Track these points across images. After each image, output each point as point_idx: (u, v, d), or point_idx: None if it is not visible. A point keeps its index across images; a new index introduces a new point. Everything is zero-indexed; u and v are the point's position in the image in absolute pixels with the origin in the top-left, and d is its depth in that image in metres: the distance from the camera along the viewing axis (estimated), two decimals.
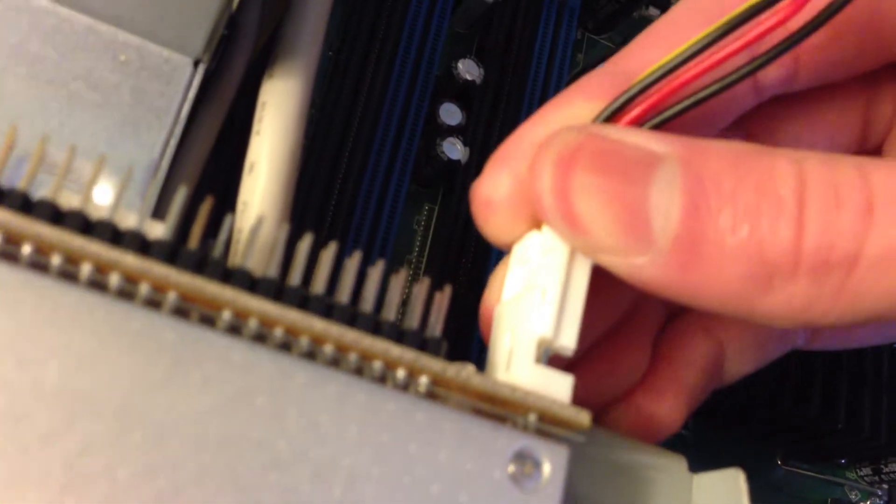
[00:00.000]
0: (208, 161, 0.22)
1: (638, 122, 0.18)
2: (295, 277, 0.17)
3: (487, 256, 0.30)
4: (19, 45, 0.20)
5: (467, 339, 0.29)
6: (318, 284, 0.17)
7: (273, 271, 0.17)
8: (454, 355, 0.18)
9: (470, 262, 0.30)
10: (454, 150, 0.31)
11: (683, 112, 0.18)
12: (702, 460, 0.23)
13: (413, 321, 0.18)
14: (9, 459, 0.14)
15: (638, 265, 0.17)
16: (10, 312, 0.14)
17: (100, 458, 0.14)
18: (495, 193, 0.20)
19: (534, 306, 0.18)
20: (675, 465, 0.22)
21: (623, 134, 0.17)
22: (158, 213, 0.20)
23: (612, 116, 0.18)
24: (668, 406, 0.22)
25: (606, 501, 0.20)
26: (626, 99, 0.18)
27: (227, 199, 0.23)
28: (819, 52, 0.20)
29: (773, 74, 0.20)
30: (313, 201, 0.28)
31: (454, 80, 0.32)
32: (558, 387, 0.18)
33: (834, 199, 0.16)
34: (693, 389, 0.22)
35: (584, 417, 0.18)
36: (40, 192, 0.16)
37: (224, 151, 0.23)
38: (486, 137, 0.32)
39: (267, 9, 0.24)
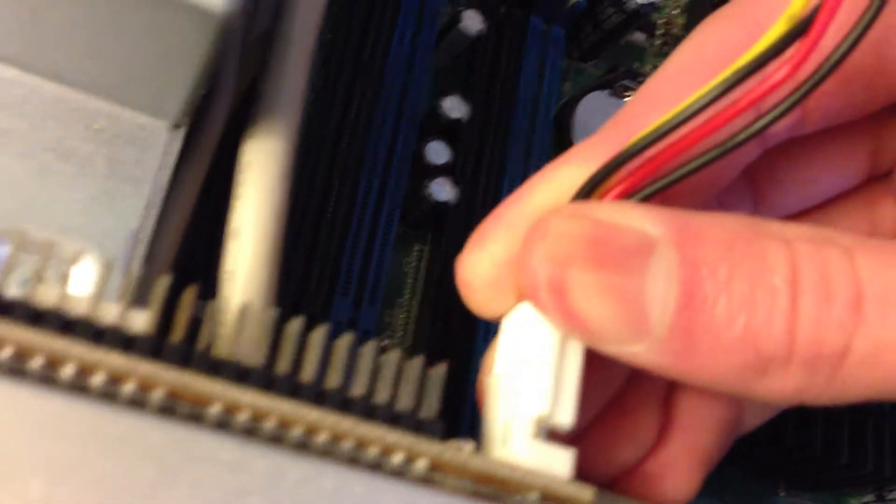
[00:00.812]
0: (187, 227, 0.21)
1: (629, 193, 0.18)
2: (284, 364, 0.16)
3: None
4: None
5: (461, 390, 0.28)
6: (308, 367, 0.17)
7: (261, 359, 0.16)
8: (447, 413, 0.18)
9: (464, 307, 0.29)
10: (442, 191, 0.30)
11: (680, 180, 0.17)
12: (705, 491, 0.23)
13: (407, 401, 0.17)
14: None
15: (634, 352, 0.17)
16: None
17: None
18: (475, 275, 0.20)
19: (528, 383, 0.18)
20: None
21: (615, 214, 0.17)
22: (142, 286, 0.19)
23: (598, 185, 0.18)
24: (682, 476, 0.21)
25: None
26: (614, 166, 0.17)
27: (209, 261, 0.22)
28: (827, 98, 0.19)
29: (778, 124, 0.20)
30: (300, 249, 0.28)
31: (440, 118, 0.31)
32: (559, 463, 0.18)
33: (825, 292, 0.16)
34: (708, 454, 0.22)
35: (586, 494, 0.17)
36: (14, 281, 0.16)
37: (203, 213, 0.22)
38: (474, 175, 0.31)
39: (243, 61, 0.24)
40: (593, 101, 0.35)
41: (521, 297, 0.19)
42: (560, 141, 0.35)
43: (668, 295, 0.16)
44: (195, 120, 0.22)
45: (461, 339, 0.30)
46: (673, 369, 0.17)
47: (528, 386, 0.18)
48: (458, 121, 0.31)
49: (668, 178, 0.17)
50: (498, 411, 0.19)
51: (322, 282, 0.28)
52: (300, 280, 0.27)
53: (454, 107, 0.31)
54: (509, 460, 0.17)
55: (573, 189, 0.18)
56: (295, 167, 0.22)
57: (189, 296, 0.16)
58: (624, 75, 0.36)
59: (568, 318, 0.17)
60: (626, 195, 0.18)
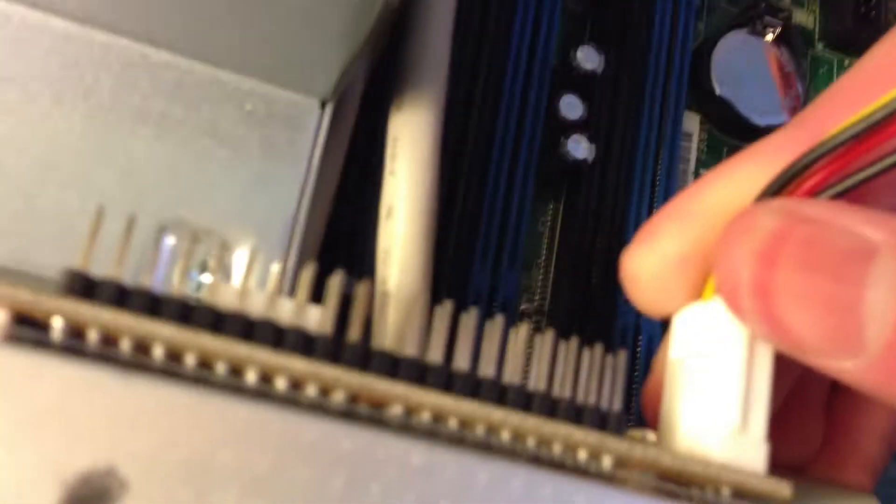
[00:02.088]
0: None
1: (815, 191, 0.16)
2: (461, 359, 0.16)
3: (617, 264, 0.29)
4: (143, 105, 0.19)
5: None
6: (487, 361, 0.16)
7: (438, 356, 0.16)
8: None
9: (602, 267, 0.28)
10: (579, 148, 0.29)
11: (872, 178, 0.16)
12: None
13: (588, 395, 0.16)
14: None
15: (841, 368, 0.15)
16: (181, 438, 0.13)
17: None
18: (644, 271, 0.18)
19: (715, 386, 0.17)
20: None
21: (830, 214, 0.15)
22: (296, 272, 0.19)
23: (789, 183, 0.16)
24: (851, 482, 0.20)
25: None
26: (808, 162, 0.16)
27: (353, 242, 0.22)
28: None
29: None
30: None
31: (573, 70, 0.30)
32: (752, 456, 0.17)
33: None
34: (876, 459, 0.20)
35: (784, 489, 0.16)
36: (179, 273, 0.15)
37: (345, 192, 0.22)
38: (610, 130, 0.30)
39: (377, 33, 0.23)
40: (732, 42, 0.33)
41: (696, 295, 0.18)
42: (697, 88, 0.33)
43: (887, 309, 0.14)
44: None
45: (602, 299, 0.29)
46: (884, 390, 0.15)
47: (716, 390, 0.17)
48: (591, 72, 0.30)
49: (857, 177, 0.16)
50: (679, 401, 0.18)
51: (459, 250, 0.27)
52: (436, 250, 0.27)
53: (587, 57, 0.30)
54: (698, 454, 0.16)
55: (756, 187, 0.17)
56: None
57: (364, 290, 0.16)
58: (764, 11, 0.34)
59: (770, 325, 0.16)
60: (816, 193, 0.16)
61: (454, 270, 0.27)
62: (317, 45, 0.18)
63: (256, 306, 0.15)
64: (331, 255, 0.21)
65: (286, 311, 0.15)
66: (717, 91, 0.32)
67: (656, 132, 0.30)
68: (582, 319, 0.28)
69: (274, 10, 0.17)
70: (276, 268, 0.16)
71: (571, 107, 0.30)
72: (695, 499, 0.16)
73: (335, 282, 0.16)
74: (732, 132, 0.33)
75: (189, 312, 0.14)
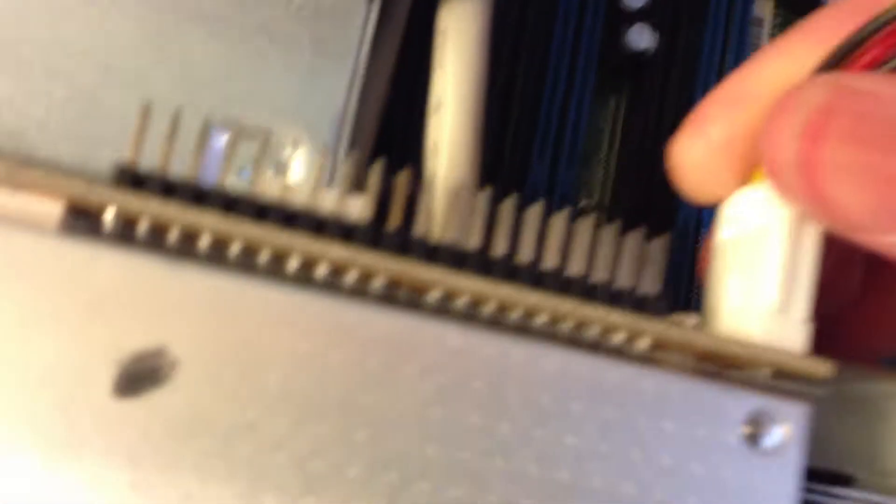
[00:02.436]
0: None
1: (873, 67, 0.16)
2: (500, 245, 0.16)
3: None
4: (196, 6, 0.19)
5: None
6: (526, 248, 0.16)
7: (476, 242, 0.16)
8: None
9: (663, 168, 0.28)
10: (641, 38, 0.28)
11: None
12: None
13: (627, 277, 0.17)
14: (246, 469, 0.14)
15: (891, 242, 0.15)
16: (226, 322, 0.14)
17: (329, 458, 0.14)
18: (691, 158, 0.18)
19: (760, 267, 0.17)
20: None
21: (879, 85, 0.15)
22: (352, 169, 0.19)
23: (845, 58, 0.16)
24: (889, 334, 0.20)
25: (845, 439, 0.19)
26: (866, 35, 0.15)
27: (407, 136, 0.22)
28: None
29: None
30: (492, 113, 0.27)
31: None
32: (792, 336, 0.17)
33: None
34: None
35: (824, 368, 0.16)
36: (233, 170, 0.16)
37: (400, 87, 0.22)
38: (675, 20, 0.29)
39: None
40: None
41: (746, 181, 0.18)
42: None
43: None
44: None
45: (663, 195, 0.28)
46: None
47: (759, 271, 0.17)
48: None
49: None
50: (722, 283, 0.18)
51: (516, 146, 0.27)
52: (493, 146, 0.27)
53: None
54: (738, 335, 0.17)
55: (810, 65, 0.16)
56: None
57: (403, 179, 0.16)
58: None
59: (818, 201, 0.15)
60: (873, 69, 0.16)
61: (511, 166, 0.27)
62: None
63: (301, 197, 0.16)
64: (386, 150, 0.21)
65: (329, 202, 0.16)
66: None
67: (724, 20, 0.29)
68: (643, 215, 0.28)
69: None
70: (318, 160, 0.16)
71: None
72: (733, 379, 0.16)
73: (376, 171, 0.16)
74: (807, 14, 0.32)
75: (234, 203, 0.15)
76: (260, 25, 0.19)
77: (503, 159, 0.27)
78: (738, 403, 0.16)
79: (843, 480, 0.18)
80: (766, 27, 0.31)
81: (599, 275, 0.16)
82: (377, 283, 0.15)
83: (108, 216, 0.14)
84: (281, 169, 0.19)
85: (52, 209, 0.14)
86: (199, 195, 0.15)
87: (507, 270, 0.16)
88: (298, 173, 0.19)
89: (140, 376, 0.14)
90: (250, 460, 0.14)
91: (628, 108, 0.30)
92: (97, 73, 0.19)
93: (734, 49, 0.29)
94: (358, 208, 0.16)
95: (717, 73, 0.29)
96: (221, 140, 0.18)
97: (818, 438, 0.18)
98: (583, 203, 0.29)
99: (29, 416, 0.13)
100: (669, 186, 0.28)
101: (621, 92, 0.30)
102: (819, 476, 0.18)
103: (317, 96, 0.20)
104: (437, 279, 0.15)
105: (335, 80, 0.20)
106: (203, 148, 0.16)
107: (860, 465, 0.19)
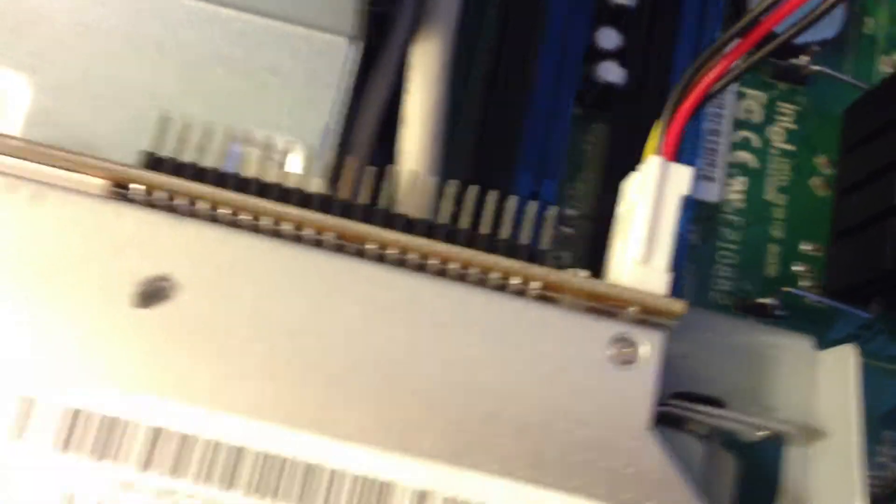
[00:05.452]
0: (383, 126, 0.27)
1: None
2: (442, 216, 0.21)
3: None
4: (215, 51, 0.26)
5: None
6: (465, 219, 0.22)
7: (413, 211, 0.21)
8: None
9: None
10: (610, 72, 0.33)
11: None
12: None
13: (525, 238, 0.21)
14: (227, 353, 0.19)
15: None
16: (213, 259, 0.20)
17: (274, 343, 0.20)
18: None
19: (634, 227, 0.21)
20: (799, 345, 0.24)
21: None
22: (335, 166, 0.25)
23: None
24: None
25: (730, 381, 0.23)
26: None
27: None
28: None
29: None
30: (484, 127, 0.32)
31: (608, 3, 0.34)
32: (654, 282, 0.21)
33: None
34: None
35: (679, 306, 0.21)
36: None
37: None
38: (645, 60, 0.34)
39: None
40: None
41: None
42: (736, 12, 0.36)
43: None
44: (382, 38, 0.27)
45: None
46: None
47: (632, 231, 0.21)
48: (625, 7, 0.34)
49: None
50: (614, 244, 0.22)
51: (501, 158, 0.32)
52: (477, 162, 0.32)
53: None
54: (614, 281, 0.21)
55: None
56: (456, 64, 0.27)
57: (350, 163, 0.22)
58: None
59: None
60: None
61: (498, 176, 0.32)
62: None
63: (292, 183, 0.21)
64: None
65: (315, 186, 0.22)
66: None
67: (692, 56, 0.34)
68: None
69: None
70: (304, 155, 0.22)
71: (608, 38, 0.34)
72: (608, 314, 0.21)
73: (337, 163, 0.22)
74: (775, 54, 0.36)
75: (224, 180, 0.21)
76: (266, 64, 0.26)
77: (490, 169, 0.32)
78: (606, 328, 0.21)
79: (713, 402, 0.22)
80: None
81: (503, 234, 0.21)
82: (328, 237, 0.21)
83: (137, 187, 0.20)
84: (280, 166, 0.25)
85: (98, 183, 0.20)
86: (200, 173, 0.21)
87: (426, 228, 0.21)
88: (293, 168, 0.24)
89: (152, 295, 0.19)
90: (229, 348, 0.19)
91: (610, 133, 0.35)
92: (144, 98, 0.25)
93: None
94: (319, 186, 0.22)
95: None
96: (235, 149, 0.24)
97: (702, 374, 0.23)
98: (570, 212, 0.34)
99: (76, 319, 0.19)
100: None
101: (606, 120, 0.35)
102: (691, 398, 0.22)
103: (308, 115, 0.25)
104: (371, 233, 0.21)
105: (323, 103, 0.25)
106: (224, 153, 0.22)
107: (736, 398, 0.23)
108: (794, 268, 0.33)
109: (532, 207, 0.22)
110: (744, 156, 0.34)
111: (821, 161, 0.34)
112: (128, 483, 0.19)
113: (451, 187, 0.22)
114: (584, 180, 0.35)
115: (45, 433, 0.19)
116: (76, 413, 0.19)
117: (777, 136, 0.35)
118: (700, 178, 0.34)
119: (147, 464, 0.19)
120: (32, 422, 0.19)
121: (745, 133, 0.35)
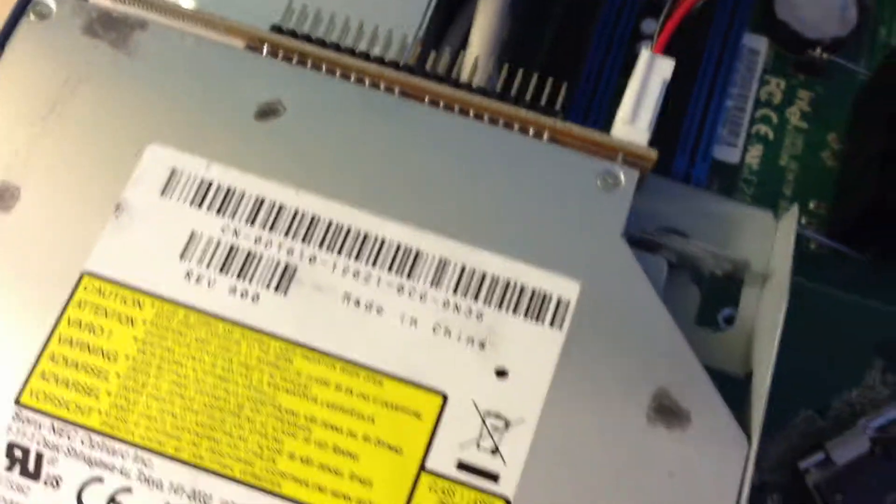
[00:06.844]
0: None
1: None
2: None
3: None
4: None
5: None
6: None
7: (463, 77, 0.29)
8: None
9: None
10: None
11: None
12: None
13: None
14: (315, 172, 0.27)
15: None
16: (311, 95, 0.28)
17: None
18: None
19: (625, 99, 0.28)
20: (762, 215, 0.30)
21: None
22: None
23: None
24: None
25: (702, 237, 0.29)
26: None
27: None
28: None
29: None
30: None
31: None
32: (638, 136, 0.28)
33: None
34: None
35: (652, 154, 0.27)
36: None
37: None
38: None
39: None
40: None
41: None
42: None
43: None
44: None
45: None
46: None
47: (625, 97, 0.28)
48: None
49: None
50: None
51: None
52: None
53: None
54: (605, 135, 0.28)
55: None
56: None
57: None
58: None
59: None
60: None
61: None
62: None
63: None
64: None
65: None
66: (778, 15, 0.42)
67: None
68: None
69: None
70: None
71: (648, 26, 0.41)
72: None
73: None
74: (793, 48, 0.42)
75: (330, 46, 0.29)
76: None
77: None
78: (599, 164, 0.27)
79: (680, 233, 0.28)
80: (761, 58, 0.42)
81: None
82: (396, 91, 0.28)
83: (265, 47, 0.29)
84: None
85: (239, 43, 0.29)
86: (317, 41, 0.29)
87: (468, 87, 0.28)
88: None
89: (268, 111, 0.28)
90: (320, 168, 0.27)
91: None
92: None
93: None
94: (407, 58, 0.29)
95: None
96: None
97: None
98: None
99: (217, 119, 0.27)
100: None
101: None
102: (663, 230, 0.28)
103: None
104: (428, 87, 0.28)
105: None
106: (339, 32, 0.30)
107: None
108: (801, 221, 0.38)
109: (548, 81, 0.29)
110: (763, 128, 0.40)
111: (832, 138, 0.40)
112: (235, 230, 0.26)
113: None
114: None
115: (184, 193, 0.27)
116: (209, 182, 0.27)
117: (794, 115, 0.40)
118: (723, 143, 0.40)
119: (251, 220, 0.26)
120: (175, 185, 0.27)
121: (765, 111, 0.41)
